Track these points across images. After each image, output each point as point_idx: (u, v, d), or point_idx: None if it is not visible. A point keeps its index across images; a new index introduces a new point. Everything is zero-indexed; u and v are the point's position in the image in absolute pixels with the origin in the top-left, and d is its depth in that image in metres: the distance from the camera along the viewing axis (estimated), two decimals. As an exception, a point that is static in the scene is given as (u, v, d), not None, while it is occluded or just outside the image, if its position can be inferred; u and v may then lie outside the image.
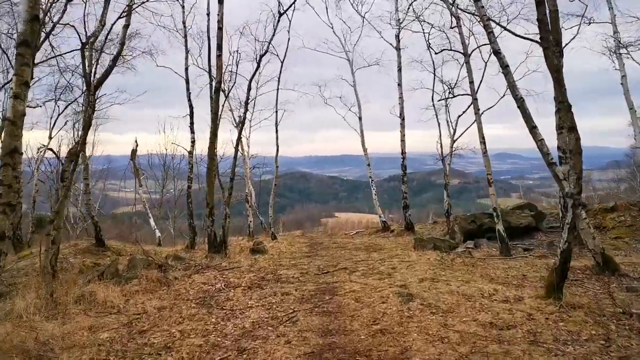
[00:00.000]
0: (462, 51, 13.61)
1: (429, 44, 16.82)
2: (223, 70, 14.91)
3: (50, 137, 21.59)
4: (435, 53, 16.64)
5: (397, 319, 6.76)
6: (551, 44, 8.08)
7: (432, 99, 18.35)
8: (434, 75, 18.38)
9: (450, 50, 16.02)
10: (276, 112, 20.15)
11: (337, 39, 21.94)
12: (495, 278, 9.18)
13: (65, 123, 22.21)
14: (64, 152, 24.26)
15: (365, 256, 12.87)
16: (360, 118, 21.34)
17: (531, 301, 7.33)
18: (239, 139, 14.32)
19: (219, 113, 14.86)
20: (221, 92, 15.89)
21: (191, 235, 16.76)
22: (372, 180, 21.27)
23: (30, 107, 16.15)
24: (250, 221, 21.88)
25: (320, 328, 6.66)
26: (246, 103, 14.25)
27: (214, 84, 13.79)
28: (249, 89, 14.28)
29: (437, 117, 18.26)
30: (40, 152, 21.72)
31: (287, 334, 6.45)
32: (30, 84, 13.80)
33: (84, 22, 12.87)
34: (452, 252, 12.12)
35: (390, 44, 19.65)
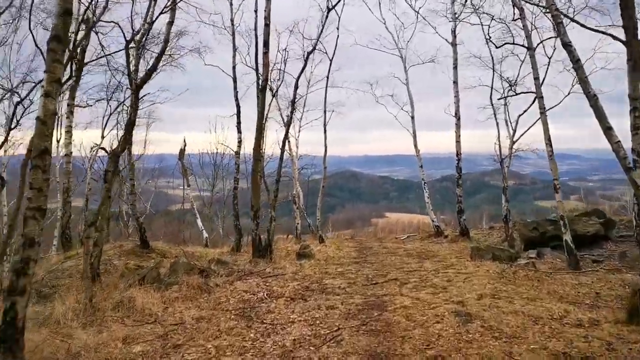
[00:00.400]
0: (525, 45, 12.59)
1: (489, 37, 15.67)
2: (270, 69, 14.46)
3: (102, 137, 21.82)
4: (497, 47, 15.56)
5: (454, 343, 6.01)
6: (635, 33, 7.12)
7: (491, 98, 17.29)
8: (493, 71, 17.31)
9: (513, 44, 14.95)
10: (325, 112, 19.62)
11: (389, 35, 21.08)
12: (565, 296, 8.25)
13: (117, 123, 22.38)
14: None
15: (418, 265, 12.08)
16: (412, 117, 20.50)
17: (609, 326, 6.42)
18: (286, 138, 13.84)
19: (265, 112, 14.42)
20: (268, 91, 15.45)
21: (237, 237, 16.40)
22: (425, 182, 20.38)
23: (80, 106, 16.23)
24: (298, 223, 21.39)
25: (367, 350, 5.99)
26: (293, 102, 13.71)
27: (260, 82, 13.32)
28: (296, 87, 13.79)
29: (495, 116, 17.20)
30: (93, 151, 21.99)
31: (330, 357, 5.82)
32: (80, 83, 13.54)
33: (131, 20, 12.72)
34: (513, 264, 11.16)
35: (446, 39, 18.73)
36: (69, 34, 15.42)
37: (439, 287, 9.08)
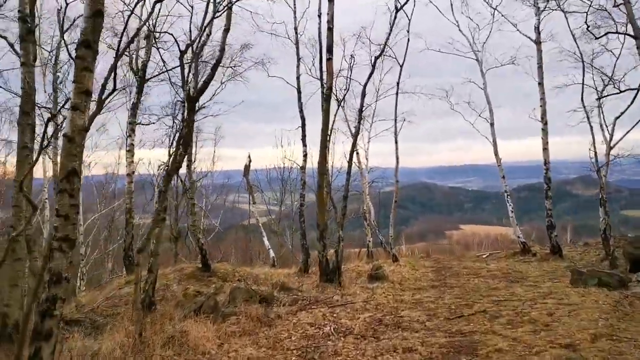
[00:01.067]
0: (632, 34, 10.81)
1: (587, 26, 13.42)
2: (334, 76, 13.45)
3: (169, 154, 21.56)
4: (596, 38, 13.55)
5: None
6: None
7: (582, 98, 15.37)
8: (583, 69, 15.37)
9: (617, 33, 13.01)
10: (395, 121, 18.32)
11: (463, 38, 19.45)
12: None
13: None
14: (183, 169, 24.34)
15: (508, 291, 10.50)
16: (492, 124, 18.80)
17: None
18: (353, 150, 12.66)
19: (331, 123, 13.39)
20: (334, 101, 14.44)
21: (304, 257, 15.39)
22: (508, 194, 18.56)
23: (142, 124, 15.84)
24: (369, 241, 20.12)
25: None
26: (360, 111, 12.59)
27: (324, 91, 12.31)
28: (363, 95, 12.64)
29: (589, 119, 15.25)
30: (161, 169, 21.76)
31: None
32: (142, 100, 12.96)
33: (189, 30, 12.12)
34: (626, 292, 9.39)
35: (529, 37, 16.99)
36: (130, 51, 15.18)
37: (539, 323, 7.56)
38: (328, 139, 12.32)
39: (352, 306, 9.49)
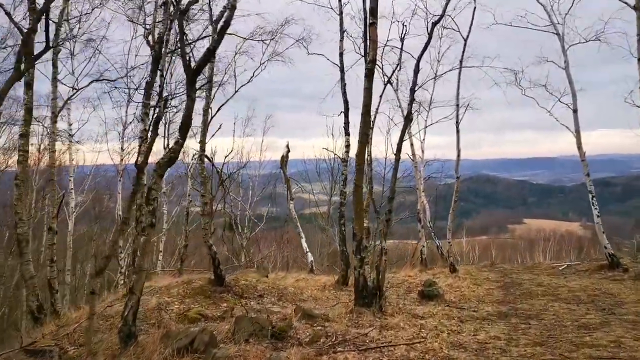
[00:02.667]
0: None
1: None
2: (380, 47, 10.91)
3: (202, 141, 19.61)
4: None
5: None
6: None
7: None
8: None
9: None
10: (457, 106, 15.39)
11: (540, 8, 16.19)
12: None
13: (220, 127, 20.06)
14: (219, 158, 22.37)
15: (605, 332, 7.66)
16: (575, 111, 15.60)
17: None
18: (402, 140, 10.03)
19: (375, 107, 10.87)
20: (379, 78, 11.88)
21: (343, 267, 13.00)
22: (593, 195, 15.35)
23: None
24: (423, 246, 17.38)
25: None
26: (412, 90, 9.91)
27: (366, 65, 9.77)
28: (417, 71, 9.98)
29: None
30: (194, 159, 19.89)
31: None
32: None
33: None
34: None
35: (625, 1, 13.71)
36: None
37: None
38: (370, 125, 9.80)
39: (392, 351, 7.00)
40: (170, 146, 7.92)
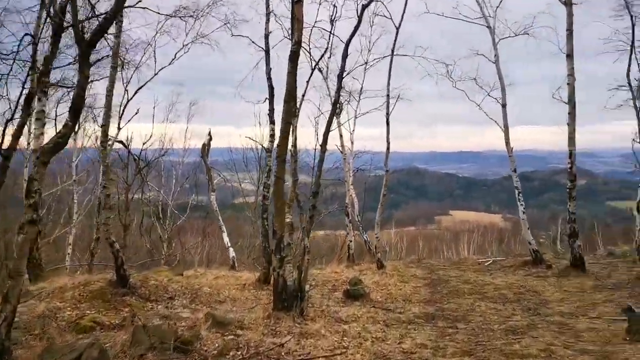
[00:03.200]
0: None
1: None
2: (307, 27, 10.14)
3: (119, 128, 18.18)
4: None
5: None
6: None
7: (628, 75, 12.10)
8: (633, 33, 12.06)
9: None
10: (387, 96, 14.80)
11: (472, 1, 15.90)
12: None
13: (137, 111, 18.71)
14: (136, 144, 20.87)
15: (535, 339, 7.28)
16: (504, 106, 15.47)
17: None
18: (328, 130, 9.22)
19: (302, 93, 10.11)
20: (306, 62, 11.12)
21: (265, 265, 12.19)
22: (520, 192, 15.31)
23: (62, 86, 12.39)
24: (351, 241, 16.82)
25: None
26: (340, 76, 9.12)
27: (291, 46, 8.92)
28: (345, 56, 9.20)
29: (634, 100, 11.98)
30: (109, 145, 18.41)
31: None
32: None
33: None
34: None
35: (557, -5, 13.60)
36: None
37: None
38: (294, 113, 9.01)
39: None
40: (59, 130, 6.76)
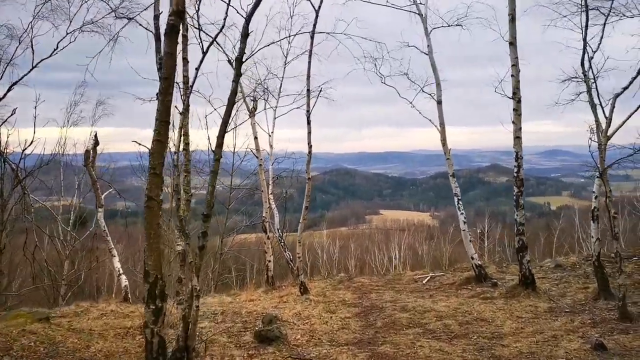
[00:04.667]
0: None
1: None
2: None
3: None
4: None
5: None
6: None
7: (583, 63, 10.53)
8: (587, 15, 10.50)
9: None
10: (308, 91, 12.62)
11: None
12: None
13: (13, 111, 15.51)
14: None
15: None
16: (439, 103, 13.74)
17: None
18: (223, 132, 6.77)
19: (191, 82, 7.81)
20: (203, 47, 8.76)
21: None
22: (459, 197, 13.59)
23: None
24: (269, 261, 14.40)
25: None
26: (239, 60, 6.71)
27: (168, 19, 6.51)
28: (245, 35, 6.81)
29: (590, 93, 10.45)
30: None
31: None
32: None
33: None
34: None
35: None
36: None
37: None
38: (168, 108, 6.61)
39: None
40: None
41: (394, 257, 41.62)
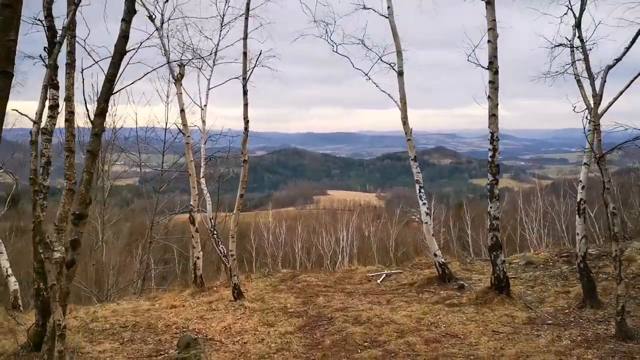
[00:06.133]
0: None
1: None
2: None
3: None
4: None
5: None
6: None
7: (578, 24, 8.76)
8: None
9: None
10: (245, 54, 10.32)
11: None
12: None
13: None
14: None
15: None
16: (400, 74, 11.79)
17: None
18: (107, 98, 4.61)
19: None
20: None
21: (38, 317, 7.43)
22: (421, 185, 11.82)
23: None
24: (197, 258, 12.05)
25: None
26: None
27: None
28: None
29: (574, 66, 8.73)
30: None
31: None
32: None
33: None
34: None
35: None
36: None
37: None
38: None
39: None
40: None
41: (341, 239, 40.02)
